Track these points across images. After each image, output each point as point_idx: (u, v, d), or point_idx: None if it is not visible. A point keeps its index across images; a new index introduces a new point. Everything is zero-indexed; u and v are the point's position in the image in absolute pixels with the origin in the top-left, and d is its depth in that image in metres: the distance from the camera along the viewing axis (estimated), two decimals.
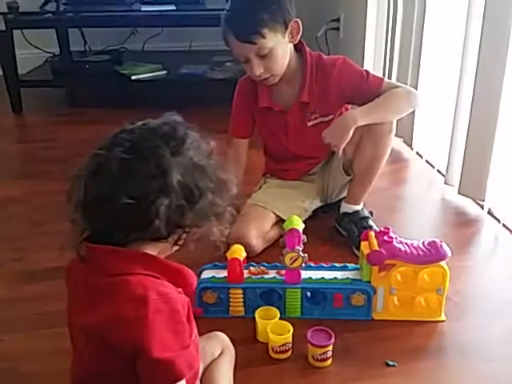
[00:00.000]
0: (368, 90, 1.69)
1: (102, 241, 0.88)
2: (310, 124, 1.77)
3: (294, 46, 1.72)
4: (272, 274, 1.50)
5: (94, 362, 0.91)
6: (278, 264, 1.49)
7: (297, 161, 1.88)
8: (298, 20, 1.65)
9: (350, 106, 1.81)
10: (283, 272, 1.48)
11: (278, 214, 1.77)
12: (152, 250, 0.92)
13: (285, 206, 1.78)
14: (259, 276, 1.49)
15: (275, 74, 1.69)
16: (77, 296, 0.94)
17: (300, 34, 1.69)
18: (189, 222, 0.91)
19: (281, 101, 1.79)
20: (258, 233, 1.71)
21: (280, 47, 1.64)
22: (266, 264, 1.54)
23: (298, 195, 1.86)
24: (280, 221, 1.73)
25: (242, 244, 1.55)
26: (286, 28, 1.63)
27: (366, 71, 1.75)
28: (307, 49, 1.75)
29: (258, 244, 1.70)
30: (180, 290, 0.92)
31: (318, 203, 1.92)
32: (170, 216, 0.87)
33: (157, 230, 0.87)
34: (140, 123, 0.93)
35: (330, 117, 1.77)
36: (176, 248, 0.96)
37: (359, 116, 1.63)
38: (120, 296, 0.85)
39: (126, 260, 0.89)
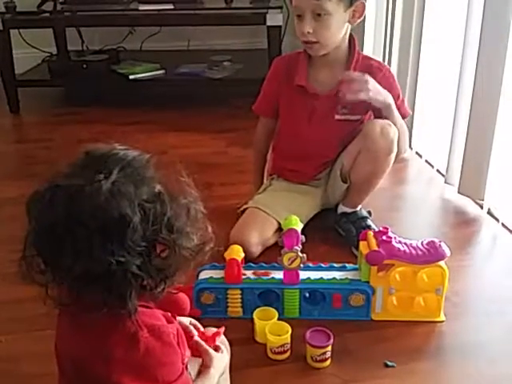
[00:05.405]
0: None
1: None
2: (337, 117, 1.71)
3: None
4: (248, 274, 1.49)
5: None
6: (275, 264, 1.48)
7: (306, 160, 1.82)
8: (364, 2, 1.63)
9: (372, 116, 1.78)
10: (260, 272, 1.48)
11: (281, 222, 1.70)
12: None
13: (288, 214, 1.73)
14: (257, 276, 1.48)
15: (322, 42, 1.65)
16: (65, 324, 0.91)
17: (362, 18, 1.66)
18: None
19: (316, 85, 1.74)
20: (259, 240, 1.69)
21: (336, 18, 1.61)
22: (264, 265, 1.53)
23: (302, 202, 1.81)
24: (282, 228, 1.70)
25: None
26: (351, 5, 1.61)
27: (402, 96, 1.77)
28: (357, 46, 1.73)
29: (257, 251, 1.68)
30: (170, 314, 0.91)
31: (318, 209, 1.89)
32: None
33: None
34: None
35: (358, 117, 1.74)
36: None
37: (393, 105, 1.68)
38: (111, 333, 0.83)
39: None
